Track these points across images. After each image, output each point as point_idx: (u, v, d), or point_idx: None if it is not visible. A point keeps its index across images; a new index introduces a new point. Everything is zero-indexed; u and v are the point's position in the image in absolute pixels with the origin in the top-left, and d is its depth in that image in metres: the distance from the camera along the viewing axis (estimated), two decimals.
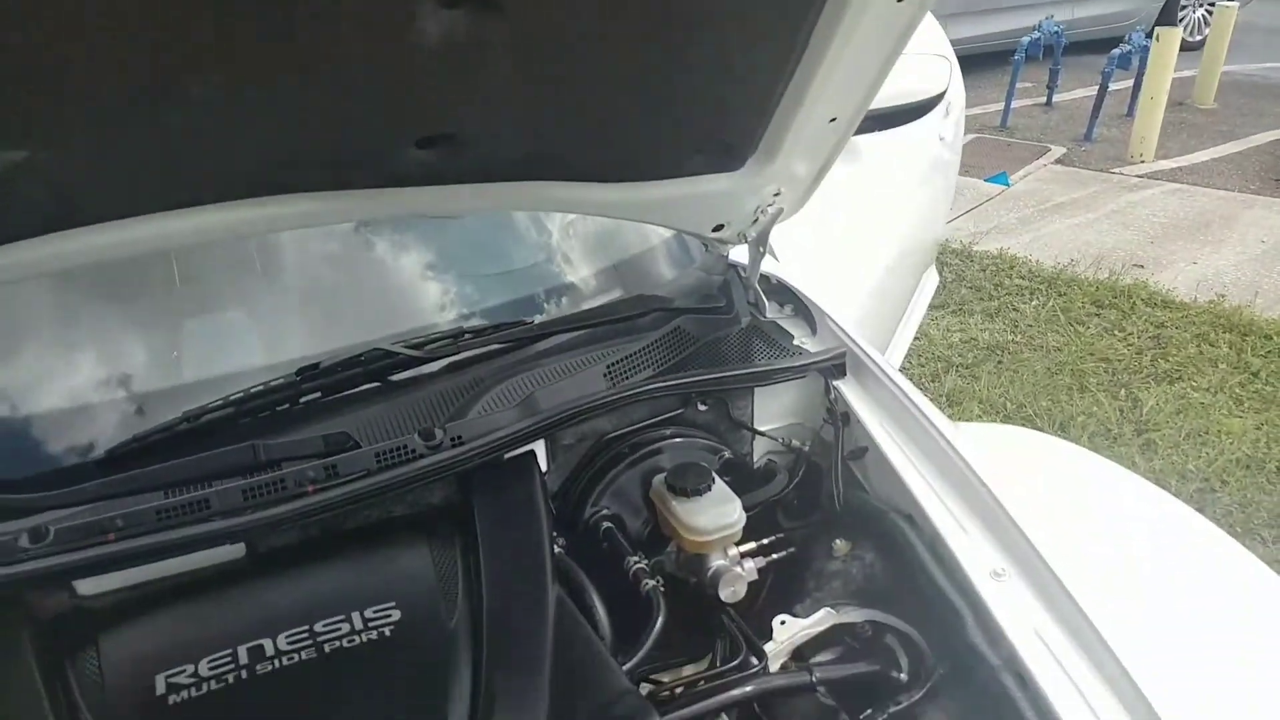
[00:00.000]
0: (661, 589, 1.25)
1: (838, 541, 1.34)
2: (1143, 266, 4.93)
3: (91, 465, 1.21)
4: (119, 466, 1.17)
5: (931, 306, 4.25)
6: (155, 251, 1.30)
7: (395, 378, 1.37)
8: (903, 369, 3.72)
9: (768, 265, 1.64)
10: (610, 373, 1.38)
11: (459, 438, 1.23)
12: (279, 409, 1.29)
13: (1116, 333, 4.19)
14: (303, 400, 1.31)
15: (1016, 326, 4.30)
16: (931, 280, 3.48)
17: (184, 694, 0.98)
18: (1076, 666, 1.05)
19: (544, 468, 1.37)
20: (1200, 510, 1.45)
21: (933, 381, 3.88)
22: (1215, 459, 3.27)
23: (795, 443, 1.55)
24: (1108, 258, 5.00)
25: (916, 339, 3.97)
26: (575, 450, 1.44)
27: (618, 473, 1.42)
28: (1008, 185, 6.32)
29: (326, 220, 1.29)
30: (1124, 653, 1.03)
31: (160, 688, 0.99)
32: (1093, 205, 5.90)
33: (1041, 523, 1.21)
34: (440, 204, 1.26)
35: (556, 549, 1.25)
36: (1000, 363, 4.00)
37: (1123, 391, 3.73)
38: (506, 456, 1.27)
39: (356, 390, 1.34)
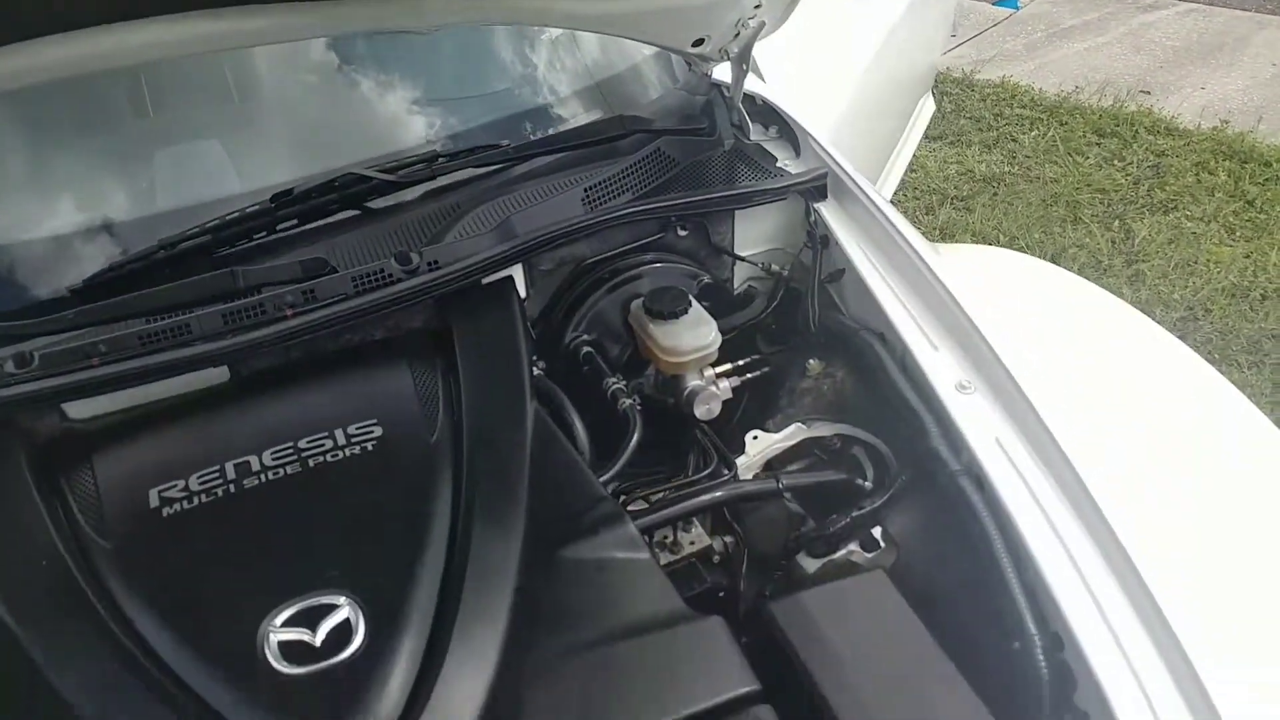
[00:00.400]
0: (638, 407, 1.28)
1: (811, 361, 1.37)
2: (1149, 93, 4.78)
3: (71, 295, 1.21)
4: (98, 295, 1.18)
5: (929, 137, 4.15)
6: (107, 69, 1.25)
7: (372, 205, 1.36)
8: (897, 201, 3.68)
9: (754, 85, 1.59)
10: (588, 197, 1.37)
11: (435, 262, 1.23)
12: (256, 237, 1.29)
13: (1115, 162, 4.11)
14: (280, 228, 1.30)
15: (1014, 158, 4.22)
16: (927, 108, 3.39)
17: (176, 507, 1.03)
18: (1033, 473, 1.09)
19: (523, 294, 1.37)
20: (1181, 338, 1.45)
21: (927, 214, 3.84)
22: (1201, 288, 3.28)
23: (775, 268, 1.55)
24: (1114, 84, 4.85)
25: (912, 171, 3.90)
26: (554, 276, 1.44)
27: (597, 299, 1.43)
28: (1016, 9, 6.03)
29: (286, 36, 1.24)
30: (1083, 465, 1.06)
31: (153, 501, 1.03)
32: (1104, 28, 5.66)
33: (1016, 341, 1.22)
34: (405, 16, 1.21)
35: (536, 371, 1.27)
36: (995, 195, 3.94)
37: (1116, 223, 3.70)
38: (485, 282, 1.28)
39: (334, 219, 1.33)
